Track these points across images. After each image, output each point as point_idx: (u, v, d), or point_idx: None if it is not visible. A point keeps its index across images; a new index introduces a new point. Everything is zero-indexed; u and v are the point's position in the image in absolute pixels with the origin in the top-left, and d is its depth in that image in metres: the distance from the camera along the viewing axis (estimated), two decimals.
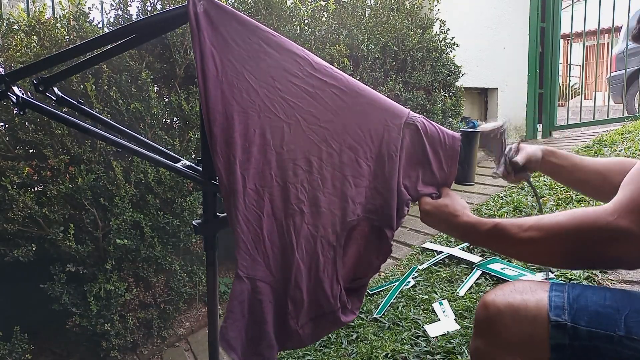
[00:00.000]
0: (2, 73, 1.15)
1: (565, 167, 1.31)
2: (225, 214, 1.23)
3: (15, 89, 1.15)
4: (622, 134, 4.22)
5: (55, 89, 1.33)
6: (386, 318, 2.45)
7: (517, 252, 0.91)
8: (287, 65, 1.11)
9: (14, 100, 1.13)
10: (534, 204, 3.24)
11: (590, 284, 2.17)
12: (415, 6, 4.51)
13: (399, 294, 2.66)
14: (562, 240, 0.79)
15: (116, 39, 1.21)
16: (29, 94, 2.29)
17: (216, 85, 1.05)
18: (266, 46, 1.09)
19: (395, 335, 2.27)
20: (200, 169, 1.28)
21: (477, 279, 2.56)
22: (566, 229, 0.78)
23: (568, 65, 7.05)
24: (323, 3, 3.80)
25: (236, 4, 3.31)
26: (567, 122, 5.92)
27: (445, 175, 1.22)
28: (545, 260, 0.89)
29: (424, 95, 4.18)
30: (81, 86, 2.59)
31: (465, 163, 1.25)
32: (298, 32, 3.41)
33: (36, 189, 2.65)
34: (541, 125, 5.96)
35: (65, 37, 2.67)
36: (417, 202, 1.20)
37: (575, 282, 2.19)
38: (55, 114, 1.16)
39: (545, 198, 3.23)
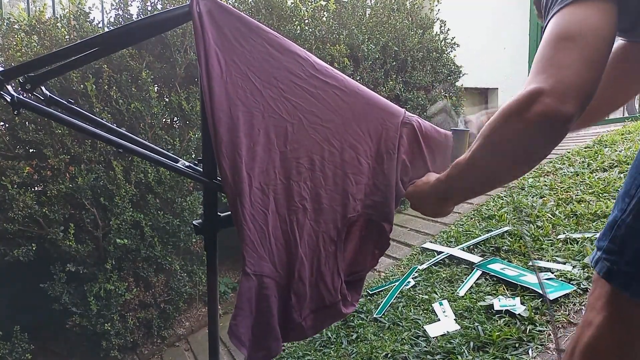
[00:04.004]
0: None
1: None
2: (226, 213, 1.23)
3: (10, 88, 1.14)
4: (622, 134, 4.22)
5: (43, 88, 1.31)
6: (386, 318, 2.45)
7: (474, 173, 0.88)
8: (290, 66, 1.13)
9: (8, 99, 1.12)
10: (534, 204, 3.24)
11: (591, 284, 2.16)
12: (416, 6, 4.51)
13: (399, 294, 2.66)
14: (496, 133, 0.79)
15: (117, 38, 1.20)
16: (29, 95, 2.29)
17: (221, 86, 1.06)
18: (269, 47, 1.11)
19: (395, 335, 2.27)
20: (200, 168, 1.28)
21: (477, 279, 2.56)
22: (495, 119, 0.79)
23: None
24: (323, 3, 3.80)
25: (236, 4, 3.31)
26: None
27: (437, 170, 1.26)
28: (500, 164, 0.84)
29: (425, 95, 4.18)
30: (81, 86, 2.59)
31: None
32: (298, 32, 3.41)
33: (36, 188, 2.65)
34: None
35: (66, 37, 2.67)
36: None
37: (575, 282, 2.19)
38: (52, 114, 1.15)
39: (545, 198, 3.23)
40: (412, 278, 2.80)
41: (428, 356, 2.05)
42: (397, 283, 2.77)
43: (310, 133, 1.14)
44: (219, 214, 1.25)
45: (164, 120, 2.95)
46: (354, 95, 1.18)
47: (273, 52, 1.11)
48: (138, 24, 1.17)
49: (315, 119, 1.14)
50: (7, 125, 2.58)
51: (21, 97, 1.13)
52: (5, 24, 2.71)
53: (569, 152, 4.05)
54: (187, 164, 1.33)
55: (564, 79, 0.70)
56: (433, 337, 2.15)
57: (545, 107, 0.70)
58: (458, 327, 2.17)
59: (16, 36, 2.63)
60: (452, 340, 2.07)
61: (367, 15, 4.13)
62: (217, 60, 1.05)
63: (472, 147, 0.86)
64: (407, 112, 1.25)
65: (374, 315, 2.50)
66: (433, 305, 2.43)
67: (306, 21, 3.61)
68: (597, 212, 2.80)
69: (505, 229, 2.99)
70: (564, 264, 2.38)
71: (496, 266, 2.59)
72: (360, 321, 2.50)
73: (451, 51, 4.54)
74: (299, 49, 1.16)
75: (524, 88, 0.73)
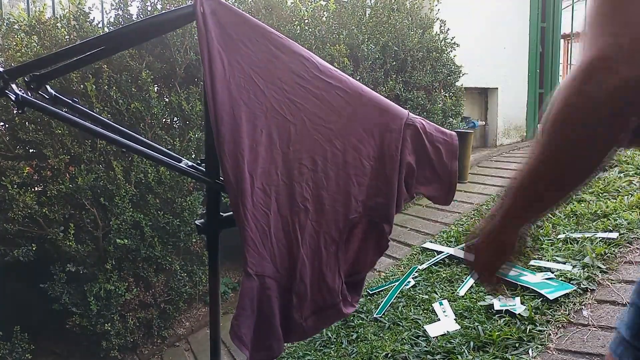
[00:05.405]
0: (1, 70, 1.13)
1: None
2: (228, 214, 1.23)
3: (14, 87, 1.14)
4: None
5: (48, 87, 1.31)
6: (386, 318, 2.46)
7: (553, 158, 0.62)
8: (294, 67, 1.13)
9: (13, 98, 1.12)
10: None
11: (591, 284, 2.17)
12: (416, 6, 4.51)
13: (399, 294, 2.66)
14: (557, 135, 0.58)
15: (119, 38, 1.21)
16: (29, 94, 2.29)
17: (224, 86, 1.06)
18: (273, 48, 1.11)
19: (396, 335, 2.27)
20: (203, 168, 1.28)
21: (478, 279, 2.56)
22: (553, 116, 0.57)
23: (569, 65, 7.05)
24: (323, 3, 3.80)
25: (236, 4, 3.31)
26: None
27: (447, 171, 1.26)
28: (582, 142, 0.57)
29: (424, 95, 4.18)
30: (81, 86, 2.59)
31: (459, 162, 1.32)
32: (298, 32, 3.41)
33: (36, 188, 2.65)
34: None
35: (66, 37, 2.67)
36: (413, 200, 1.23)
37: (575, 282, 2.20)
38: (57, 113, 1.15)
39: None
40: (412, 278, 2.80)
41: (428, 356, 2.05)
42: (397, 283, 2.77)
43: (312, 134, 1.14)
44: (221, 214, 1.25)
45: (164, 120, 2.95)
46: (357, 97, 1.18)
47: (277, 53, 1.11)
48: (142, 23, 1.17)
49: (318, 120, 1.15)
50: (7, 125, 2.58)
51: (26, 96, 1.13)
52: (5, 24, 2.71)
53: None
54: (190, 163, 1.33)
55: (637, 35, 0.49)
56: (433, 337, 2.16)
57: (618, 79, 0.50)
58: (458, 327, 2.18)
59: (16, 36, 2.63)
60: (452, 340, 2.08)
61: (367, 15, 4.13)
62: (220, 60, 1.06)
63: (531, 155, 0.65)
64: (410, 113, 1.25)
65: (374, 315, 2.50)
66: (433, 305, 2.43)
67: (306, 21, 3.60)
68: (597, 212, 2.80)
69: None
70: (564, 263, 2.39)
71: None
72: (360, 321, 2.50)
73: (451, 51, 4.54)
74: (302, 49, 1.16)
75: (581, 59, 0.53)
